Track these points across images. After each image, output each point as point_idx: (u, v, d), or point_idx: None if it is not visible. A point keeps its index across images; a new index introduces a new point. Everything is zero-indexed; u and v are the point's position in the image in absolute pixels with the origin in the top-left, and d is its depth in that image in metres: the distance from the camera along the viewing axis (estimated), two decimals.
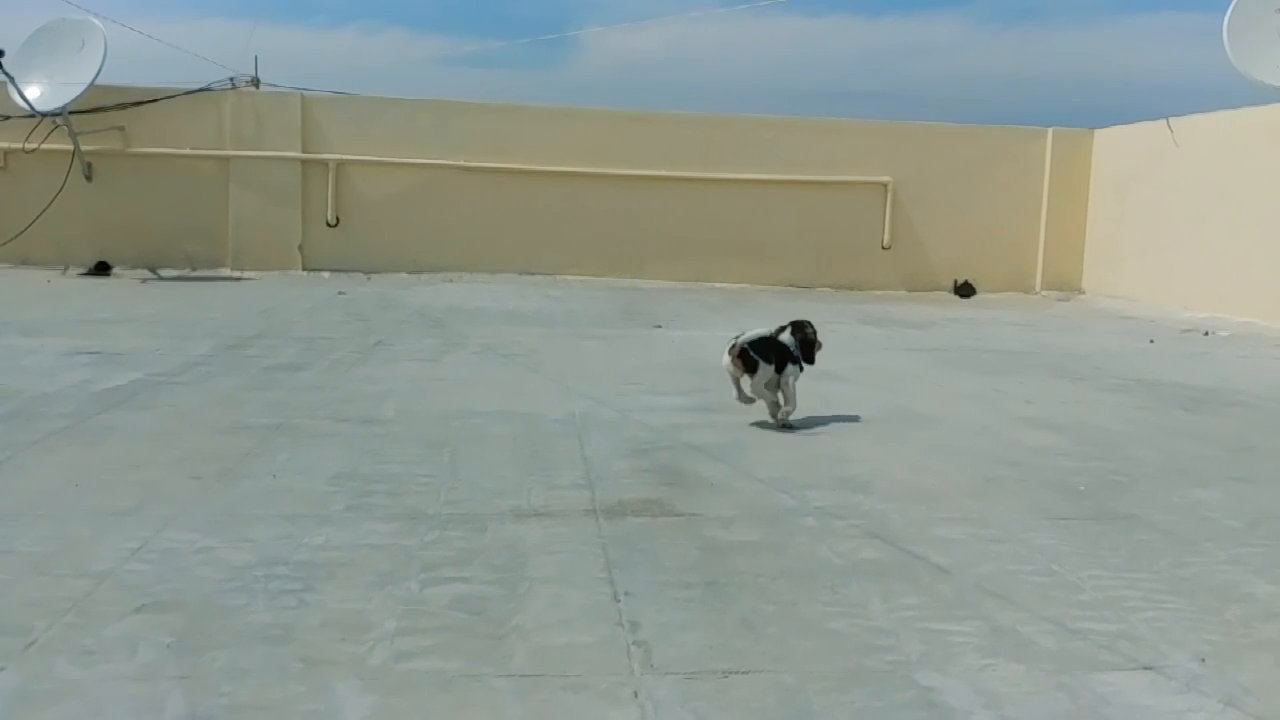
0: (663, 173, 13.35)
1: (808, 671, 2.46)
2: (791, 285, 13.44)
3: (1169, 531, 3.60)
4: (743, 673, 2.44)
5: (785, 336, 5.21)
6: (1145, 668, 2.53)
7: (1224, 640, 2.70)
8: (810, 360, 5.22)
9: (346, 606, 2.75)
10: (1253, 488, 4.24)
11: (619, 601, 2.83)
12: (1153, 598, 2.98)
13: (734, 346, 5.11)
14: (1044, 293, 13.85)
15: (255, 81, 13.32)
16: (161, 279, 12.19)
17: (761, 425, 5.13)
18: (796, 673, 2.45)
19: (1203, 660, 2.58)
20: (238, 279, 12.48)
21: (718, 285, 13.32)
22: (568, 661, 2.48)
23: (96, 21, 12.51)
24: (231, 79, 13.13)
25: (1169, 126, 12.38)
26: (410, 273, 13.05)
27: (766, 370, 5.04)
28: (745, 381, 5.12)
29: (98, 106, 12.52)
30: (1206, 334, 9.79)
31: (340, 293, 11.05)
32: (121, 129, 12.80)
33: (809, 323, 5.30)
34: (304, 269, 13.11)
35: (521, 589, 2.90)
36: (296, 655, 2.47)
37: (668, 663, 2.48)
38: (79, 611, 2.67)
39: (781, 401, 5.13)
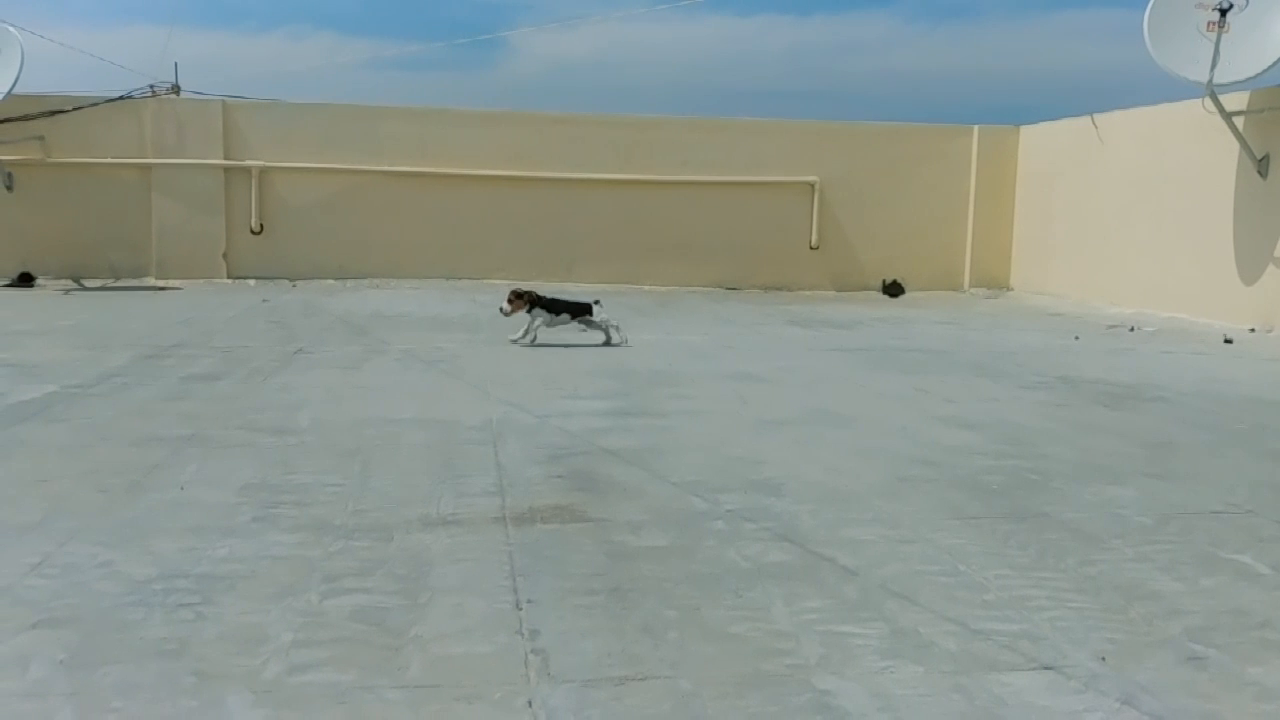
0: (589, 175, 13.36)
1: (705, 677, 2.44)
2: (719, 286, 13.50)
3: (1079, 529, 3.62)
4: (639, 679, 2.42)
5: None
6: (1045, 667, 2.54)
7: (1126, 638, 2.72)
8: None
9: (244, 619, 2.71)
10: (1166, 484, 4.29)
11: (521, 610, 2.80)
12: (1058, 596, 2.99)
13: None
14: (972, 290, 14.03)
15: (176, 88, 13.13)
16: (85, 289, 11.98)
17: (674, 428, 5.13)
18: (693, 678, 2.43)
19: (1103, 659, 2.59)
20: (162, 288, 12.29)
21: (646, 287, 13.33)
22: (464, 671, 2.45)
23: (12, 30, 12.24)
24: (152, 86, 12.94)
25: (1093, 123, 12.59)
26: (336, 279, 12.92)
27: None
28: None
29: (16, 116, 12.27)
30: (1132, 330, 9.95)
31: (264, 300, 10.92)
32: (41, 138, 12.56)
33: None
34: (229, 277, 12.95)
35: (423, 599, 2.86)
36: (190, 669, 2.43)
37: (565, 671, 2.45)
38: None
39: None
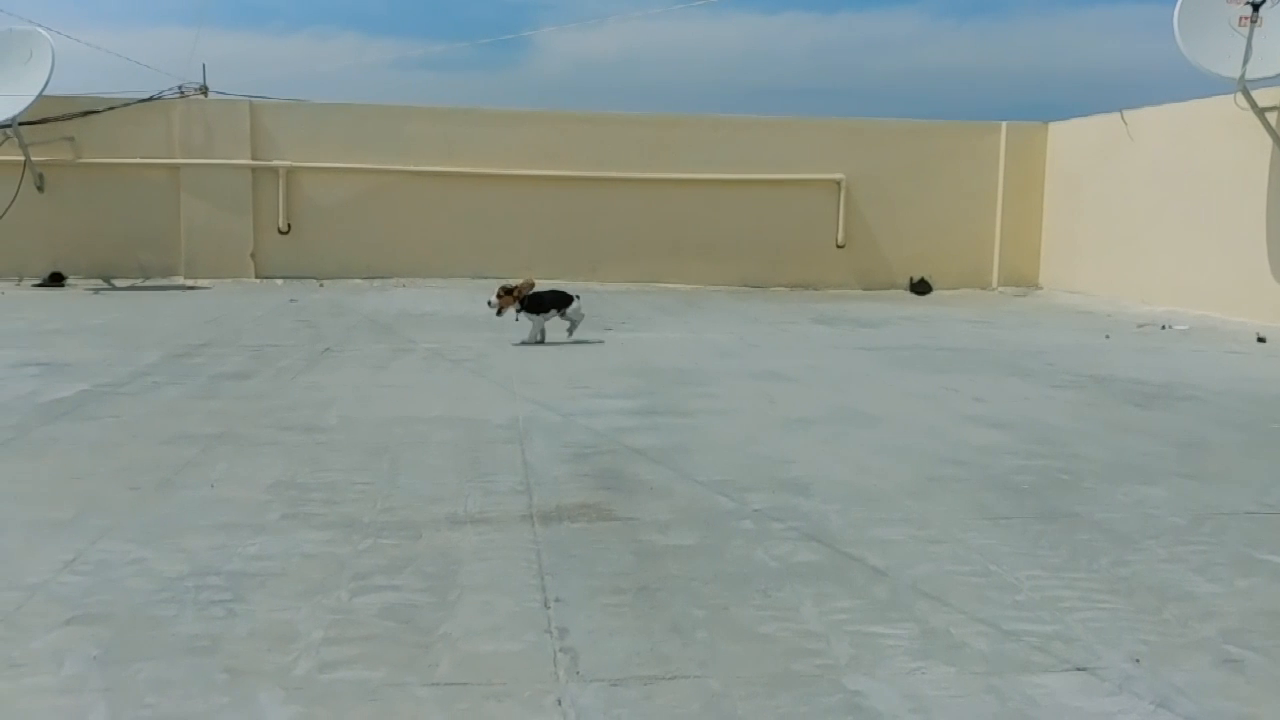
0: (614, 174, 13.33)
1: (734, 676, 2.43)
2: (745, 285, 13.45)
3: (1111, 530, 3.59)
4: (668, 679, 2.42)
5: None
6: (1078, 669, 2.52)
7: (1160, 640, 2.69)
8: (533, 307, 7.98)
9: (275, 616, 2.73)
10: (1199, 484, 4.24)
11: (549, 608, 2.80)
12: (1090, 597, 2.97)
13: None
14: (1001, 289, 13.93)
15: (204, 89, 13.22)
16: (115, 289, 12.07)
17: (701, 427, 5.12)
18: (723, 678, 2.42)
19: (1137, 660, 2.56)
20: (191, 288, 12.37)
21: (671, 286, 13.32)
22: (493, 669, 2.45)
23: (44, 32, 12.37)
24: (180, 87, 13.04)
25: (1123, 119, 12.47)
26: (363, 279, 12.97)
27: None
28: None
29: (47, 117, 12.39)
30: (1163, 328, 9.86)
31: (292, 300, 10.98)
32: (71, 139, 12.66)
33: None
34: (257, 276, 13.02)
35: (452, 597, 2.87)
36: (222, 666, 2.45)
37: (593, 669, 2.45)
38: (8, 624, 2.66)
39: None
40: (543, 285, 8.30)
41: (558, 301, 8.10)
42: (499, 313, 7.94)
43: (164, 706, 2.26)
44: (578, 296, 8.25)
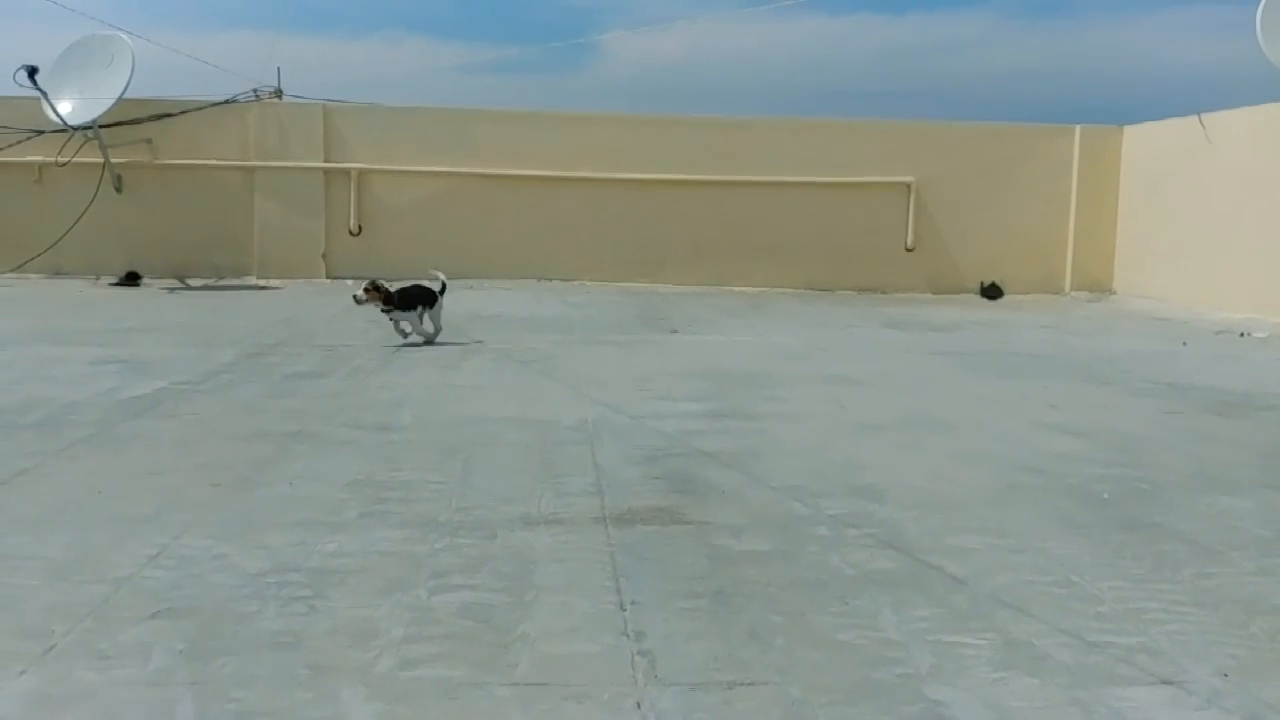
0: (680, 176, 13.28)
1: (814, 684, 2.42)
2: (811, 288, 13.33)
3: (1194, 541, 3.52)
4: (747, 684, 2.41)
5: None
6: (1165, 682, 2.47)
7: (1249, 654, 2.63)
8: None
9: (355, 613, 2.76)
10: None
11: (625, 611, 2.81)
12: (1175, 610, 2.91)
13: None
14: (1074, 294, 13.69)
15: (278, 93, 13.42)
16: (189, 288, 12.30)
17: (770, 431, 5.09)
18: (802, 685, 2.41)
19: (1225, 675, 2.51)
20: (263, 287, 12.57)
21: (736, 289, 13.23)
22: (572, 671, 2.46)
23: (125, 37, 12.68)
24: (255, 90, 13.24)
25: (1201, 123, 12.19)
26: (431, 280, 13.07)
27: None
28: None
29: (126, 119, 12.67)
30: (1242, 335, 9.63)
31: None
32: (149, 141, 12.93)
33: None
34: (328, 277, 13.17)
35: (528, 597, 2.89)
36: (305, 662, 2.49)
37: (672, 673, 2.45)
38: (97, 617, 2.72)
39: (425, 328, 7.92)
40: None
41: (426, 298, 8.04)
42: (362, 303, 7.80)
43: (249, 700, 2.30)
44: (443, 288, 8.22)
